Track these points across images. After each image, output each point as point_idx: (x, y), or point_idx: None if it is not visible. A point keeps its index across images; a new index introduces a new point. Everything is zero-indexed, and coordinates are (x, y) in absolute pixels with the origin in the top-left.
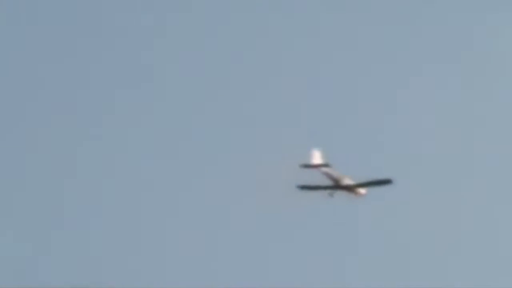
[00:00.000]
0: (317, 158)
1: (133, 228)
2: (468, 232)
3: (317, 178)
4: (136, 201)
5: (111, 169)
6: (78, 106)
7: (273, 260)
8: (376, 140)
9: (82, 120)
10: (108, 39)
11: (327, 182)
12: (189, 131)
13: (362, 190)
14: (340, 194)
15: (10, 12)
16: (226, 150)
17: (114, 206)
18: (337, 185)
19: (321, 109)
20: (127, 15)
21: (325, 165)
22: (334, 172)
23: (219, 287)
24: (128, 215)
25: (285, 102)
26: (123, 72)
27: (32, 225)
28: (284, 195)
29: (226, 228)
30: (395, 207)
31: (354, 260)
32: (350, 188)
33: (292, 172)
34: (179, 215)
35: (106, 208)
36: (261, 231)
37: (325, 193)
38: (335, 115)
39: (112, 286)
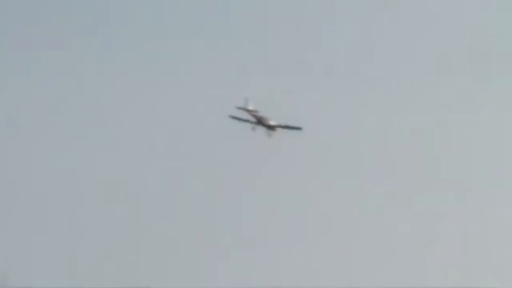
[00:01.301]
0: (249, 104)
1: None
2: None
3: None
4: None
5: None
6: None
7: None
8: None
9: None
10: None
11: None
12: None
13: (277, 130)
14: (260, 129)
15: None
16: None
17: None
18: (260, 123)
19: None
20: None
21: (255, 110)
22: (260, 113)
23: None
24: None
25: None
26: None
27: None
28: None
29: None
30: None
31: None
32: (269, 127)
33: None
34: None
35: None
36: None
37: (250, 127)
38: None
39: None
